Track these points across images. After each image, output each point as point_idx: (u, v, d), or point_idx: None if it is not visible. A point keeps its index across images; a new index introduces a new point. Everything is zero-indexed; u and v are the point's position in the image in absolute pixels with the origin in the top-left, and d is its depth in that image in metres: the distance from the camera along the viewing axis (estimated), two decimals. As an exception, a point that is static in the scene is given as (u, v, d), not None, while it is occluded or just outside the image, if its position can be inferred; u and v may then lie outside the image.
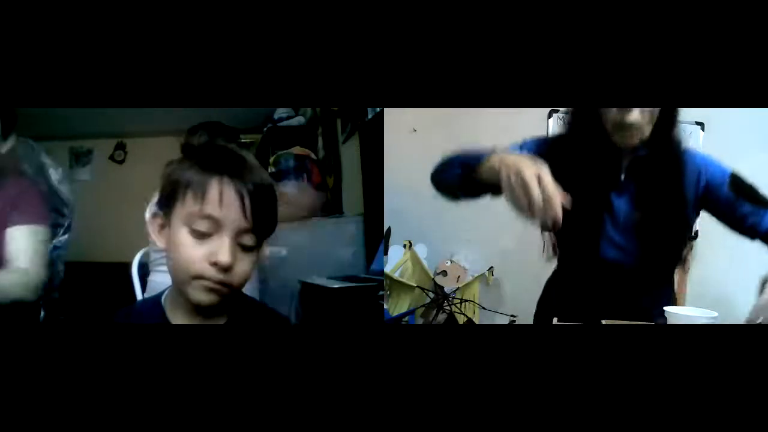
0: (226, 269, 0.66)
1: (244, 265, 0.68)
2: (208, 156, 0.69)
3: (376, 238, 1.95)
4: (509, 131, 1.14)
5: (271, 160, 2.66)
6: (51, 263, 1.39)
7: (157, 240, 0.71)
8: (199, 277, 0.67)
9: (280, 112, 2.97)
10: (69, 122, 3.46)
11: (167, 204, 0.69)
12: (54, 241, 1.55)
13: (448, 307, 2.26)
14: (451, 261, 2.40)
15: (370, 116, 1.94)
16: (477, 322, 2.31)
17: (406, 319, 2.32)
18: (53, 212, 1.54)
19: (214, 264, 0.66)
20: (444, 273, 2.39)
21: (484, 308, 2.19)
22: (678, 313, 0.86)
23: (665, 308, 0.90)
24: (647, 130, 1.01)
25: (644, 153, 1.03)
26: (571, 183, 0.90)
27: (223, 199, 0.66)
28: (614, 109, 0.98)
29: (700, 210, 1.07)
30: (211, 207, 0.65)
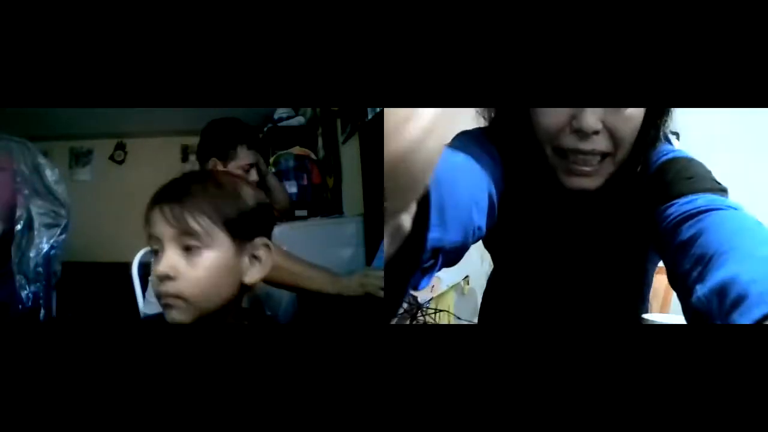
0: (166, 278, 0.68)
1: (192, 271, 0.68)
2: (157, 191, 0.73)
3: (376, 238, 1.95)
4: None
5: (271, 160, 2.66)
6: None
7: None
8: (159, 296, 0.70)
9: (280, 112, 2.98)
10: (69, 122, 3.47)
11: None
12: (51, 241, 1.55)
13: (422, 317, 2.25)
14: (425, 271, 2.37)
15: (370, 116, 1.94)
16: None
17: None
18: (50, 213, 1.54)
19: (158, 277, 0.69)
20: (418, 283, 2.37)
21: (459, 318, 2.18)
22: (657, 321, 0.84)
23: (644, 315, 0.87)
24: (606, 170, 0.76)
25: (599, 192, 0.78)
26: (509, 226, 0.83)
27: (151, 218, 0.70)
28: (565, 136, 0.74)
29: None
30: (149, 228, 0.70)
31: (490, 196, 0.74)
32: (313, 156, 2.72)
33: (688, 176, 0.75)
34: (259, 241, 0.74)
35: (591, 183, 0.77)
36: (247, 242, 0.73)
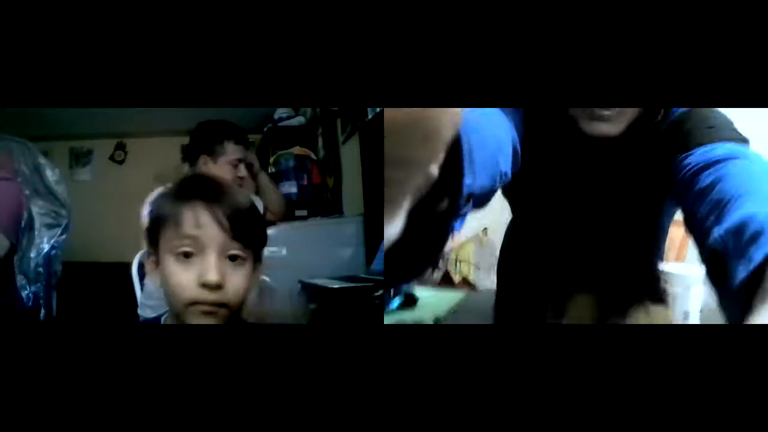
0: (216, 287, 0.66)
1: (236, 280, 0.68)
2: (182, 186, 0.71)
3: (376, 238, 1.95)
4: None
5: (271, 160, 2.66)
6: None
7: (155, 278, 0.71)
8: (193, 302, 0.67)
9: (280, 112, 2.97)
10: (69, 122, 3.46)
11: (154, 241, 0.70)
12: (51, 241, 1.55)
13: (443, 266, 2.27)
14: (445, 221, 2.39)
15: (370, 116, 1.94)
16: (472, 282, 2.31)
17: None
18: (51, 213, 1.54)
19: (204, 285, 0.65)
20: (438, 233, 2.39)
21: (479, 268, 2.19)
22: (672, 272, 0.86)
23: (659, 266, 0.88)
24: (627, 116, 0.77)
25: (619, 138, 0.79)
26: (536, 179, 0.86)
27: (198, 219, 0.66)
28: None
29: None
30: (189, 228, 0.66)
31: (513, 142, 0.74)
32: (313, 156, 2.72)
33: (708, 125, 0.75)
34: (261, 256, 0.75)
35: (612, 129, 0.76)
36: (258, 256, 0.73)
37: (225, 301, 0.67)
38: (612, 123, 0.77)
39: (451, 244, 2.32)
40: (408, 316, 1.01)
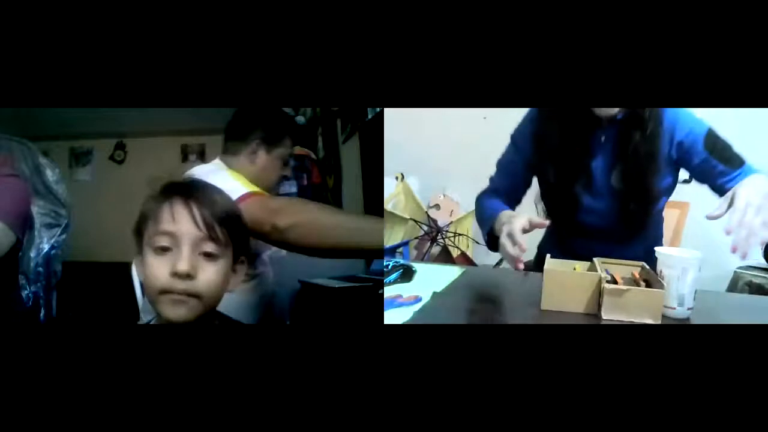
0: (186, 277, 0.69)
1: (208, 273, 0.71)
2: (165, 187, 0.74)
3: (376, 238, 1.94)
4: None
5: (271, 159, 2.65)
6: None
7: (140, 273, 0.74)
8: (165, 291, 0.70)
9: (280, 112, 2.97)
10: (69, 122, 3.46)
11: (139, 238, 0.74)
12: (51, 241, 1.55)
13: (441, 241, 2.28)
14: (444, 195, 2.41)
15: (370, 116, 1.94)
16: (471, 256, 2.32)
17: (401, 250, 2.32)
18: (51, 213, 1.54)
19: (175, 274, 0.69)
20: (437, 206, 2.41)
21: (477, 242, 2.18)
22: (665, 253, 0.91)
23: (655, 248, 0.96)
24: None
25: (621, 117, 1.08)
26: (553, 154, 1.11)
27: (174, 215, 0.71)
28: None
29: (678, 167, 1.13)
30: (165, 224, 0.71)
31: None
32: (313, 156, 2.72)
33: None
34: (242, 257, 0.77)
35: (610, 111, 1.06)
36: (238, 256, 0.76)
37: (195, 292, 0.70)
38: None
39: (450, 218, 2.33)
40: (404, 290, 1.01)
